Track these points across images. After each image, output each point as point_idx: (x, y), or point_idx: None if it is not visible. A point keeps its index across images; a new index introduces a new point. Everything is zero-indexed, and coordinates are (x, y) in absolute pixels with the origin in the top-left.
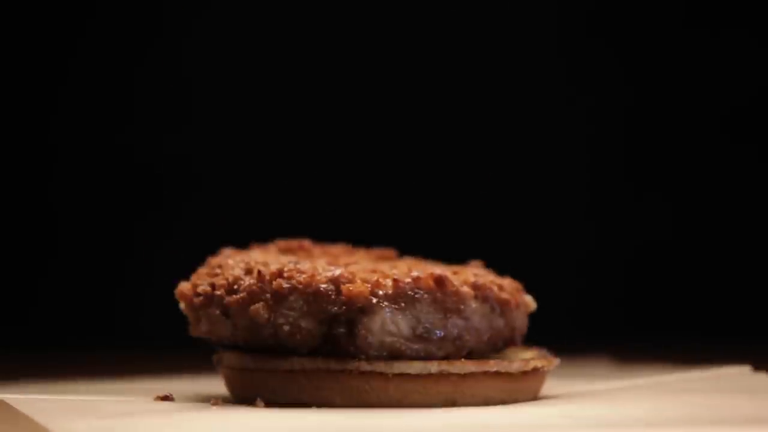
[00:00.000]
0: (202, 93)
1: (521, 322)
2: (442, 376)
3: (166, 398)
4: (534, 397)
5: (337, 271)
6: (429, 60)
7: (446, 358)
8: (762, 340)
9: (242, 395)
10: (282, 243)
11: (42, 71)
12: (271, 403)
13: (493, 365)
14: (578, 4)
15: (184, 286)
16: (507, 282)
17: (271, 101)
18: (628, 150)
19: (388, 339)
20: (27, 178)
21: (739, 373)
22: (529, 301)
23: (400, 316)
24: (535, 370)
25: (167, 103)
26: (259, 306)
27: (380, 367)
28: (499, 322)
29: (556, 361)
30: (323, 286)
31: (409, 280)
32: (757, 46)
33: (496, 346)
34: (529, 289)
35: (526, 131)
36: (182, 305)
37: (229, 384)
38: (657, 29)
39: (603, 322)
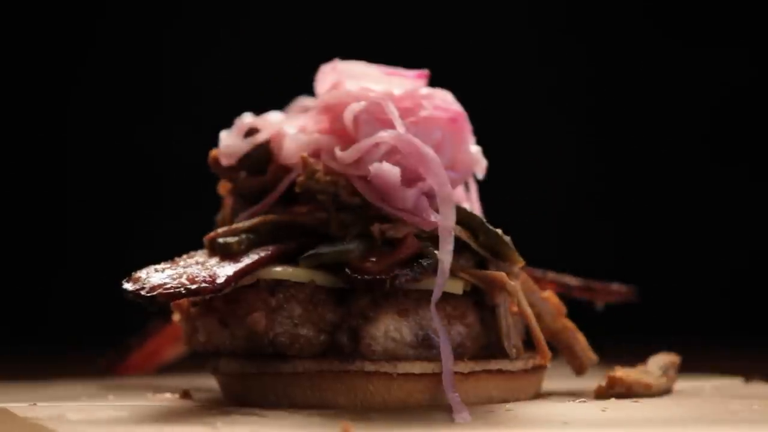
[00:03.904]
0: (211, 95)
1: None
2: None
3: (186, 395)
4: (534, 395)
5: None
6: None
7: None
8: (754, 346)
9: (243, 400)
10: None
11: (49, 80)
12: (274, 406)
13: (495, 364)
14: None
15: None
16: None
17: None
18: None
19: (391, 346)
20: (35, 183)
21: (731, 384)
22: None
23: (403, 323)
24: (535, 368)
25: (179, 105)
26: (257, 315)
27: (384, 367)
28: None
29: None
30: (323, 295)
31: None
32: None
33: (494, 354)
34: None
35: (512, 139)
36: (177, 316)
37: (229, 389)
38: (636, 39)
39: (598, 323)
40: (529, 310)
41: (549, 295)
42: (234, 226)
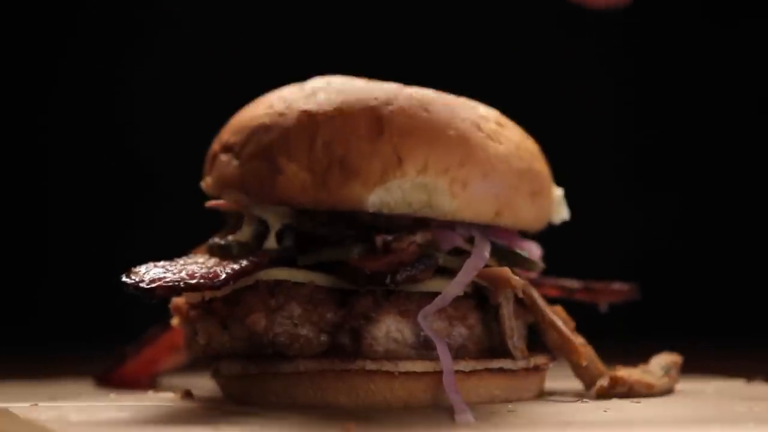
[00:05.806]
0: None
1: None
2: None
3: (188, 394)
4: (536, 395)
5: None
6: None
7: None
8: (757, 347)
9: (244, 401)
10: None
11: (32, 72)
12: (275, 406)
13: (497, 363)
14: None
15: (178, 300)
16: None
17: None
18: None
19: (393, 346)
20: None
21: (733, 385)
22: None
23: (404, 324)
24: (537, 367)
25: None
26: (256, 315)
27: (385, 366)
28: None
29: (554, 360)
30: (322, 295)
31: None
32: None
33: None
34: None
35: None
36: (176, 320)
37: (230, 391)
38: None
39: (600, 323)
40: (547, 310)
41: (558, 309)
42: (235, 234)
